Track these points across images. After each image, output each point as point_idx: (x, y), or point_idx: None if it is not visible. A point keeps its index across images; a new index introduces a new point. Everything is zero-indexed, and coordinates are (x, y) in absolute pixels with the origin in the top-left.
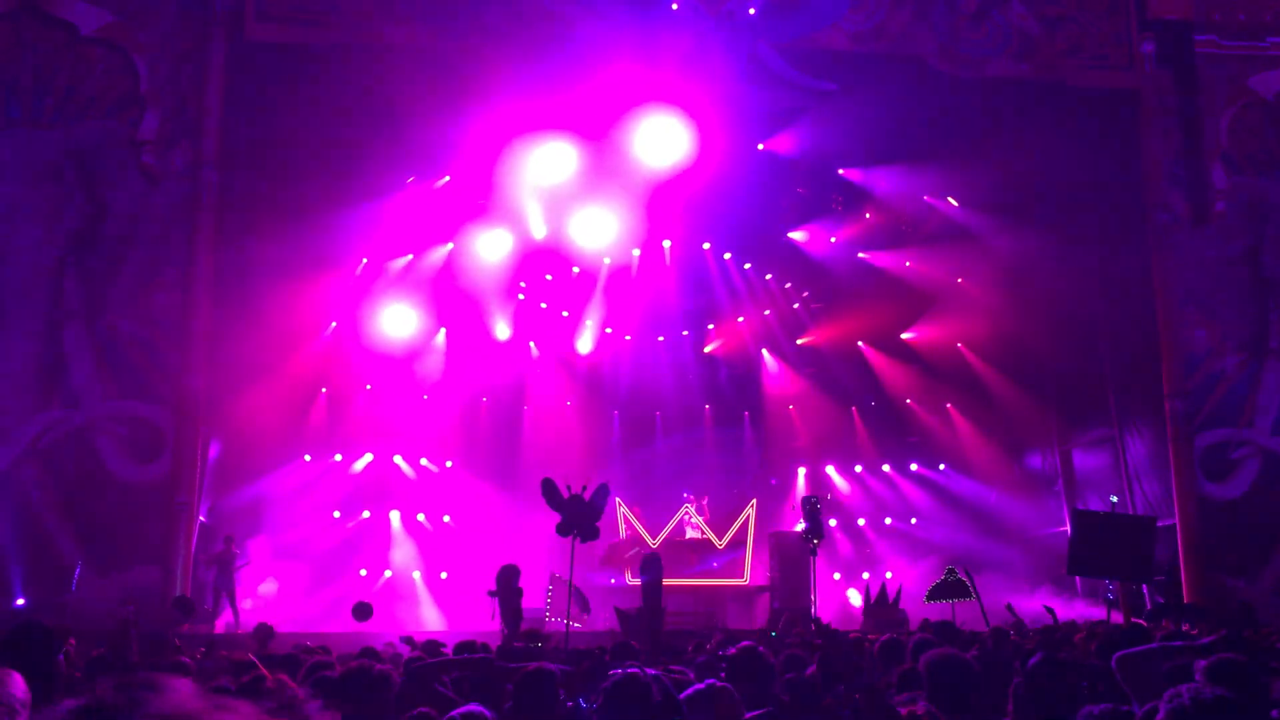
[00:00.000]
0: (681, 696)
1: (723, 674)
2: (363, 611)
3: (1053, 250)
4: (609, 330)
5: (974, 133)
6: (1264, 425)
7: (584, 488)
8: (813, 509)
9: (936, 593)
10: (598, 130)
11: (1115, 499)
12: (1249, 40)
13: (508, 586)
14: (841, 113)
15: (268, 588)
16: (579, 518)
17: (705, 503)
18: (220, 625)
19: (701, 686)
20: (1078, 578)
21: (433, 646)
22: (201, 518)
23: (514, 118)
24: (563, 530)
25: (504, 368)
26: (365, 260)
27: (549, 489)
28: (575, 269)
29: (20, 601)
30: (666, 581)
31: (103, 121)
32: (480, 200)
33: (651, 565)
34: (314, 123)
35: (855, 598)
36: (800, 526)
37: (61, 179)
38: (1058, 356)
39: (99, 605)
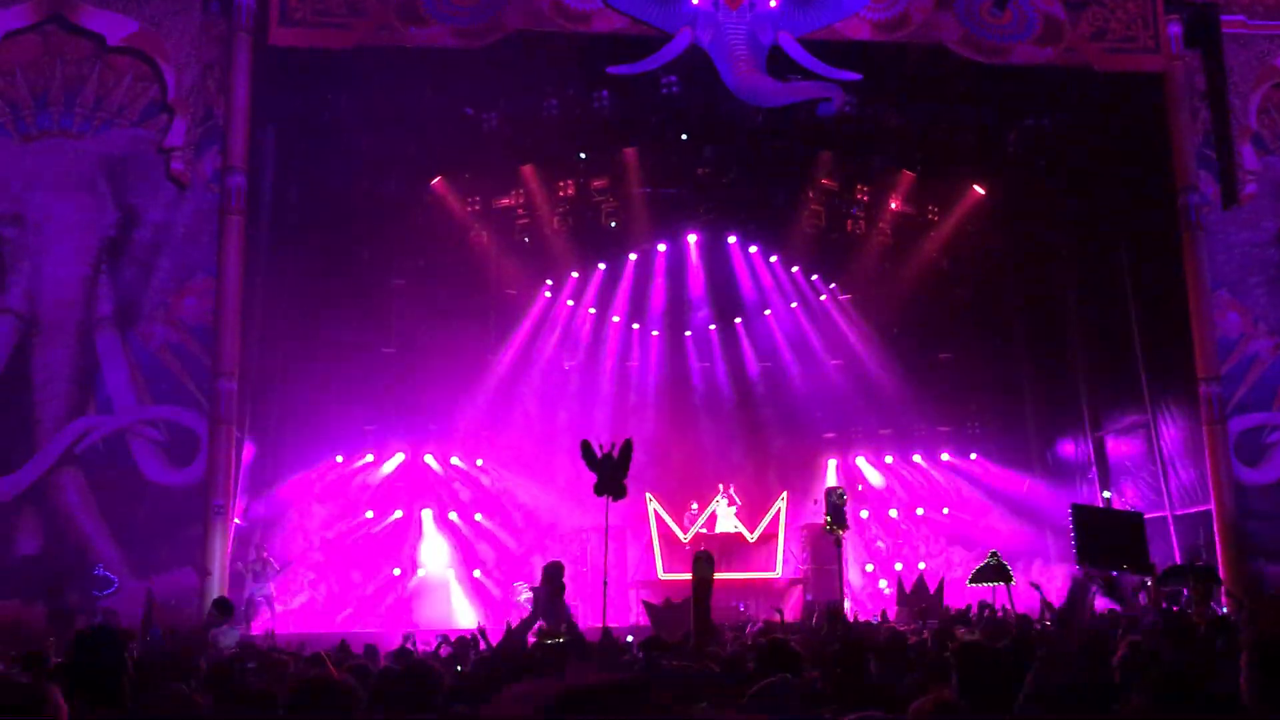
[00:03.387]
0: None
1: (750, 664)
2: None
3: (1083, 235)
4: (635, 326)
5: (999, 119)
6: None
7: (613, 445)
8: (837, 500)
9: (980, 576)
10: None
11: (1108, 494)
12: (1277, 19)
13: (552, 582)
14: (866, 103)
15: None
16: (610, 477)
17: (732, 490)
18: (259, 629)
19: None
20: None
21: (464, 644)
22: (237, 519)
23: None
24: (600, 489)
25: (532, 365)
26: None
27: (586, 450)
28: (601, 265)
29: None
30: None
31: (132, 130)
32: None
33: (703, 563)
34: (340, 127)
35: (886, 588)
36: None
37: (94, 188)
38: (1089, 342)
39: (139, 609)
